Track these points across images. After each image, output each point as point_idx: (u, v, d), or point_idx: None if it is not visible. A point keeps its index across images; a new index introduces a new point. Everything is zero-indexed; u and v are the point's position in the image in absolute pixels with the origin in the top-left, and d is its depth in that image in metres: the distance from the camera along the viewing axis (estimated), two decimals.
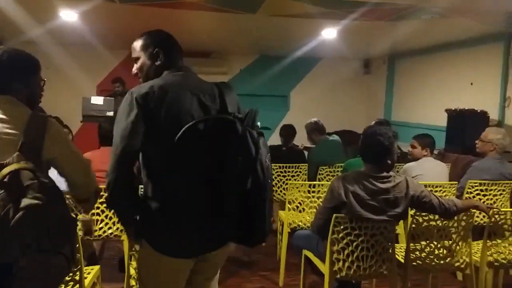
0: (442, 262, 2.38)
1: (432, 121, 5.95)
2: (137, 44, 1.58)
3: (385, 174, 2.18)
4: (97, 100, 5.57)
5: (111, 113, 5.50)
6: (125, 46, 7.32)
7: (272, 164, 3.72)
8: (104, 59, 7.08)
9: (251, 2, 3.67)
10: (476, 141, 3.34)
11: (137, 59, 1.58)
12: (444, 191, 3.09)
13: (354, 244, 2.17)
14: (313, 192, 3.03)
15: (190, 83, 1.51)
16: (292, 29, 4.99)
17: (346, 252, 2.18)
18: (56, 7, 3.97)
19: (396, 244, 2.48)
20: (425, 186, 2.97)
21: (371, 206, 2.12)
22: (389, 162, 2.18)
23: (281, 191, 3.85)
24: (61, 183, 2.27)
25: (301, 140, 4.58)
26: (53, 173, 1.48)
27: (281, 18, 4.30)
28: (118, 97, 6.06)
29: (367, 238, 2.19)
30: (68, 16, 4.30)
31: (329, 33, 5.00)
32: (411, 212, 2.38)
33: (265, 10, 3.94)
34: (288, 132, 4.19)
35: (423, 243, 2.41)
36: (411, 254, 2.39)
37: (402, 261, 2.44)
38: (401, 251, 2.58)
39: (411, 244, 2.40)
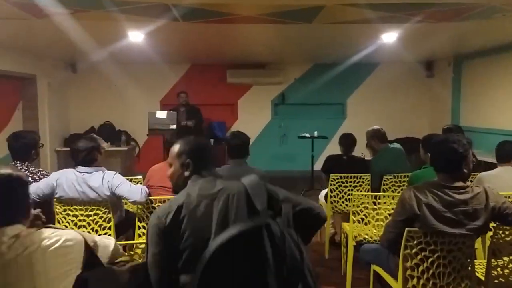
0: None
1: (506, 125, 5.48)
2: (174, 149, 1.66)
3: (461, 184, 2.04)
4: (161, 114, 5.87)
5: (173, 126, 5.76)
6: (185, 61, 7.77)
7: (333, 174, 3.68)
8: (166, 75, 7.47)
9: (308, 12, 3.65)
10: None
11: (171, 164, 1.67)
12: None
13: (430, 260, 2.04)
14: (379, 203, 2.91)
15: (212, 189, 1.49)
16: (349, 35, 4.90)
17: (420, 268, 2.05)
18: (125, 29, 4.26)
19: (475, 260, 2.29)
20: (506, 197, 2.75)
21: (447, 219, 1.98)
22: (465, 171, 2.03)
23: (343, 202, 3.75)
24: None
25: (360, 150, 4.44)
26: None
27: (337, 25, 4.23)
28: (182, 108, 6.50)
29: (444, 254, 2.04)
30: (136, 37, 4.60)
31: (389, 37, 4.82)
32: (492, 225, 2.19)
33: (321, 19, 3.90)
34: (348, 141, 4.07)
35: (505, 259, 2.20)
36: (493, 271, 2.20)
37: (483, 278, 2.25)
38: (480, 268, 2.39)
39: (492, 260, 2.20)
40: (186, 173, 1.60)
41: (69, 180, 2.66)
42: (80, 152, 2.67)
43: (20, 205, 1.38)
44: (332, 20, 4.02)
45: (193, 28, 4.29)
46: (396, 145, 4.06)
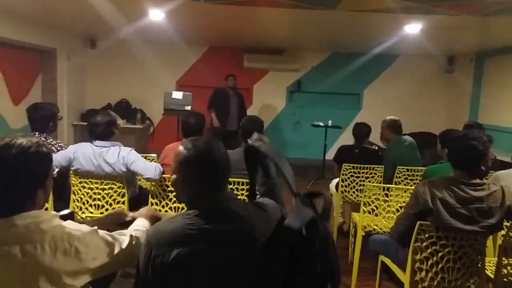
0: None
1: None
2: (179, 151, 1.32)
3: (478, 181, 2.01)
4: (177, 95, 5.89)
5: (188, 107, 5.78)
6: (204, 43, 7.72)
7: (345, 164, 3.67)
8: (184, 56, 7.45)
9: None
10: None
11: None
12: None
13: (440, 254, 2.04)
14: (390, 196, 2.90)
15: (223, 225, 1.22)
16: (372, 24, 4.79)
17: (430, 262, 2.05)
18: (146, 7, 4.25)
19: (485, 258, 2.28)
20: None
21: (461, 215, 1.96)
22: (483, 168, 2.00)
23: (354, 192, 3.74)
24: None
25: (375, 140, 4.40)
26: None
27: (360, 13, 4.14)
28: (231, 91, 6.22)
29: (455, 249, 2.03)
30: (156, 15, 4.59)
31: (413, 28, 4.71)
32: (506, 224, 2.17)
33: (345, 5, 3.82)
34: (362, 131, 4.01)
35: None
36: (503, 270, 2.19)
37: (492, 276, 2.24)
38: (490, 266, 2.38)
39: (503, 259, 2.19)
40: (185, 195, 1.31)
41: (86, 154, 2.71)
42: (98, 125, 2.71)
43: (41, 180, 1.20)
44: (356, 8, 3.94)
45: (213, 9, 4.25)
46: (409, 138, 3.99)
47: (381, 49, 6.37)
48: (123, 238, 1.32)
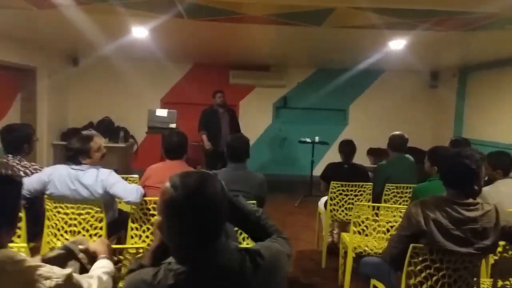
0: None
1: (509, 140, 5.40)
2: (164, 186, 1.13)
3: (471, 200, 1.94)
4: (162, 112, 5.77)
5: (173, 125, 5.66)
6: (189, 59, 7.66)
7: (333, 182, 3.59)
8: (169, 73, 7.38)
9: (318, 14, 3.56)
10: None
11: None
12: None
13: (434, 278, 1.94)
14: (381, 215, 2.81)
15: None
16: (357, 40, 4.81)
17: (424, 286, 1.96)
18: (129, 24, 4.17)
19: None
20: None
21: (455, 237, 1.88)
22: (476, 188, 1.94)
23: (342, 210, 3.65)
24: None
25: (359, 158, 4.31)
26: None
27: (346, 29, 4.14)
28: (221, 109, 5.78)
29: (449, 273, 1.94)
30: (139, 32, 4.51)
31: (397, 44, 4.74)
32: (502, 243, 2.10)
33: (331, 22, 3.81)
34: (349, 148, 3.96)
35: None
36: None
37: None
38: (483, 287, 2.30)
39: (498, 281, 2.11)
40: (170, 242, 1.12)
41: (61, 176, 2.56)
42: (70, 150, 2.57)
43: (6, 214, 1.08)
44: (341, 24, 3.93)
45: (197, 26, 4.20)
46: (410, 157, 3.90)
47: (366, 64, 6.41)
48: (92, 282, 1.18)
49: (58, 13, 3.71)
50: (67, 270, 1.09)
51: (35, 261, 1.08)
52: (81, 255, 1.35)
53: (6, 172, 1.08)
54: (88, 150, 2.62)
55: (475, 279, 2.01)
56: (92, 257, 1.32)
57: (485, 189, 2.88)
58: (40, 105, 6.19)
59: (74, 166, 2.59)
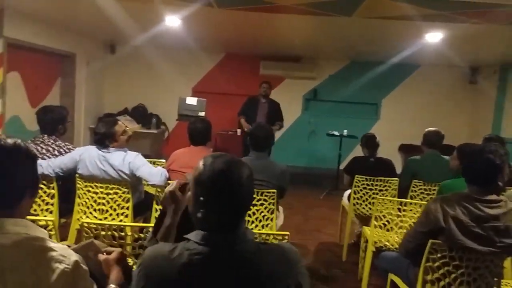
0: None
1: None
2: (199, 166, 1.16)
3: (494, 197, 1.88)
4: (192, 100, 5.89)
5: (202, 113, 5.77)
6: (220, 49, 7.72)
7: (358, 176, 3.54)
8: (200, 63, 7.49)
9: (348, 3, 3.50)
10: None
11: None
12: None
13: (452, 276, 1.90)
14: (404, 210, 2.76)
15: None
16: (391, 32, 4.68)
17: (441, 283, 1.92)
18: (163, 13, 4.27)
19: (502, 280, 2.13)
20: None
21: (475, 234, 1.83)
22: (500, 184, 1.87)
23: (366, 205, 3.61)
24: None
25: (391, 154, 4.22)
26: None
27: (378, 20, 4.04)
28: (263, 99, 5.86)
29: (469, 271, 1.90)
30: (172, 21, 4.61)
31: (434, 37, 4.56)
32: None
33: (362, 12, 3.73)
34: (375, 142, 3.89)
35: None
36: None
37: None
38: None
39: None
40: (193, 217, 1.15)
41: (91, 157, 2.70)
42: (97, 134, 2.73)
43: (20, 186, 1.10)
44: (373, 15, 3.84)
45: (228, 16, 4.23)
46: (446, 157, 3.76)
47: (401, 58, 6.23)
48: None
49: (95, 0, 3.86)
50: (76, 257, 1.09)
51: (53, 242, 1.10)
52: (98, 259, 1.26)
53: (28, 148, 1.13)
54: (114, 134, 2.74)
55: (496, 279, 1.95)
56: (101, 274, 1.24)
57: None
58: (78, 90, 6.47)
59: (102, 149, 2.72)
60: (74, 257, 1.08)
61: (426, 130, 3.76)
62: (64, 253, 1.07)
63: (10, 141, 1.09)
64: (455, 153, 2.89)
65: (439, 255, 1.91)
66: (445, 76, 7.28)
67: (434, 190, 3.43)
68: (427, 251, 1.92)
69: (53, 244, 1.08)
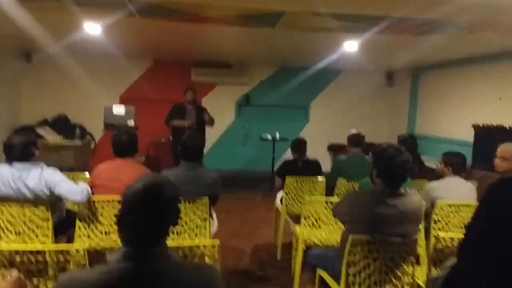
0: None
1: (458, 135, 5.75)
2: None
3: (401, 191, 2.08)
4: (119, 109, 5.65)
5: (131, 122, 5.57)
6: (147, 57, 7.50)
7: (288, 177, 3.69)
8: (127, 70, 7.22)
9: (270, 17, 3.64)
10: (497, 159, 2.89)
11: None
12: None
13: (371, 267, 2.07)
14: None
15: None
16: (312, 41, 4.94)
17: (362, 275, 2.07)
18: (81, 21, 4.05)
19: (417, 266, 2.35)
20: (451, 205, 2.85)
21: (387, 226, 2.01)
22: (403, 178, 2.08)
23: (297, 204, 3.76)
24: None
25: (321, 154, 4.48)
26: None
27: (299, 31, 4.25)
28: (190, 106, 5.77)
29: (386, 261, 2.07)
30: (92, 29, 4.38)
31: (351, 46, 4.91)
32: (434, 233, 2.25)
33: (284, 24, 3.90)
34: (303, 146, 4.08)
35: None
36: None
37: (424, 286, 2.31)
38: (422, 275, 2.45)
39: (432, 268, 2.27)
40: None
41: (4, 177, 2.47)
42: (13, 148, 2.48)
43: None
44: (294, 27, 4.04)
45: (153, 25, 4.16)
46: (365, 156, 4.06)
47: (324, 64, 6.58)
48: None
49: (3, 9, 3.56)
50: None
51: None
52: None
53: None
54: (34, 143, 2.55)
55: (411, 266, 2.15)
56: None
57: (432, 184, 3.09)
58: None
59: (16, 165, 2.50)
60: None
61: (349, 134, 4.04)
62: None
63: None
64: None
65: (358, 248, 2.06)
66: (364, 80, 7.83)
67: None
68: (349, 245, 2.06)
69: None
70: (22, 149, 2.48)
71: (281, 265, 3.65)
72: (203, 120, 5.76)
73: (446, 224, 2.89)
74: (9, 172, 2.49)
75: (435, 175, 3.36)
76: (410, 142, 4.16)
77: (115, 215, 1.18)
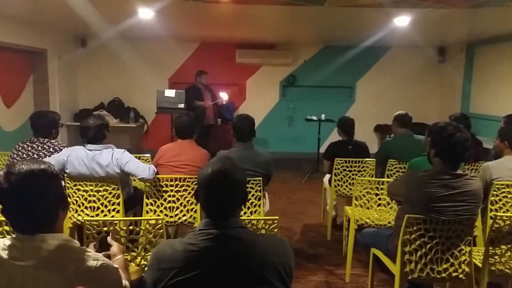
0: None
1: None
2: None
3: (460, 172, 2.07)
4: (170, 93, 5.89)
5: (182, 105, 5.79)
6: (194, 39, 7.67)
7: (337, 159, 3.72)
8: (175, 53, 7.44)
9: None
10: None
11: None
12: None
13: (428, 246, 2.09)
14: (382, 189, 2.95)
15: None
16: (361, 18, 4.82)
17: (419, 253, 2.11)
18: (135, 5, 4.24)
19: (474, 248, 2.35)
20: (509, 185, 2.78)
21: (445, 206, 2.02)
22: (463, 158, 2.06)
23: (347, 185, 3.79)
24: None
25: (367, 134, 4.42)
26: None
27: (348, 8, 4.17)
28: (204, 88, 6.37)
29: (442, 240, 2.09)
30: (145, 14, 4.58)
31: (402, 21, 4.74)
32: (491, 214, 2.23)
33: (333, 1, 3.85)
34: (352, 127, 4.05)
35: (504, 247, 2.25)
36: (490, 259, 2.25)
37: (480, 265, 2.31)
38: (478, 255, 2.44)
39: (490, 248, 2.25)
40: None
41: (79, 158, 2.73)
42: (89, 129, 2.74)
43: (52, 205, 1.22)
44: (344, 3, 3.97)
45: (202, 7, 4.25)
46: (419, 137, 3.97)
47: (372, 41, 6.41)
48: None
49: None
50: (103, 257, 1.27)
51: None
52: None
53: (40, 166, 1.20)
54: (107, 125, 2.83)
55: (467, 246, 2.15)
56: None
57: (489, 163, 3.00)
58: (52, 86, 6.34)
59: (90, 147, 2.75)
60: (103, 257, 1.25)
61: (396, 113, 3.95)
62: (96, 255, 1.23)
63: (35, 166, 1.17)
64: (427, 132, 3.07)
65: (414, 228, 2.09)
66: (414, 56, 7.53)
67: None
68: (404, 224, 2.09)
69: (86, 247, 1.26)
70: (96, 131, 2.74)
71: (331, 245, 3.74)
72: (215, 97, 6.42)
73: (504, 204, 2.82)
74: (84, 152, 2.75)
75: (492, 156, 3.24)
76: (463, 121, 4.02)
77: (194, 191, 1.36)
